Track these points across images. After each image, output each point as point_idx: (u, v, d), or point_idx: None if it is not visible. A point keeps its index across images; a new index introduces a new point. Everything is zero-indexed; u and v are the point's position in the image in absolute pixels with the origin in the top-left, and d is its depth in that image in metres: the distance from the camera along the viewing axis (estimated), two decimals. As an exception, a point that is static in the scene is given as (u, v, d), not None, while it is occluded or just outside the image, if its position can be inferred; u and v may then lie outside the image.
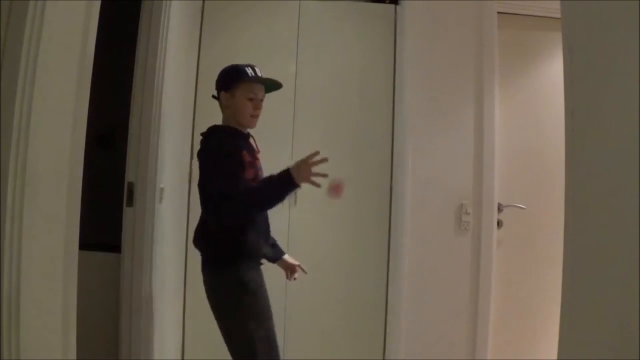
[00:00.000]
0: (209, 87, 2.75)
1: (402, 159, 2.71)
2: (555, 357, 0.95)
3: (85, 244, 1.35)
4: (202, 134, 1.92)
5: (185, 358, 2.64)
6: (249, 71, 1.85)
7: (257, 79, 1.86)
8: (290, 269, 2.07)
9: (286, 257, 2.07)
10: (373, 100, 2.83)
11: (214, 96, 1.95)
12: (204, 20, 2.77)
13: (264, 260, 1.96)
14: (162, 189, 2.20)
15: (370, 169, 2.80)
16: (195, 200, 2.68)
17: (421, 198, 2.69)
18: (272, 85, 1.93)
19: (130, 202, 2.07)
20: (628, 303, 0.75)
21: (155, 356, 2.18)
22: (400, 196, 2.69)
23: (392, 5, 2.87)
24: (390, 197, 2.78)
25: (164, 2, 2.12)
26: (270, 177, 1.76)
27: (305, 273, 2.08)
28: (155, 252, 2.12)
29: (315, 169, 1.72)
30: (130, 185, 2.07)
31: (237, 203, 1.71)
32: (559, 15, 1.03)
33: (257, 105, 1.86)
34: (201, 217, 1.91)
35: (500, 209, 2.76)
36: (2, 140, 0.95)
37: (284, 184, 1.71)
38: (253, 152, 1.88)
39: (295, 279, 2.07)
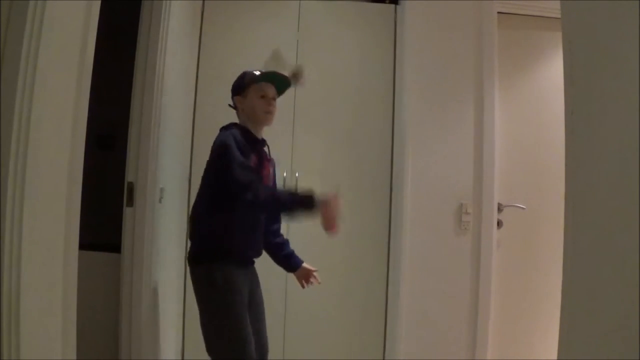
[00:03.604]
0: (209, 87, 2.77)
1: (402, 159, 2.71)
2: (555, 357, 0.95)
3: (85, 244, 1.35)
4: (220, 128, 1.97)
5: (185, 358, 2.65)
6: (257, 72, 1.98)
7: (264, 78, 1.97)
8: (305, 277, 2.11)
9: (305, 265, 2.11)
10: (373, 99, 2.83)
11: (230, 105, 2.04)
12: (204, 20, 2.77)
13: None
14: (162, 189, 2.20)
15: (370, 169, 2.80)
16: (195, 200, 2.69)
17: (421, 198, 2.69)
18: (282, 85, 2.02)
19: (130, 202, 2.07)
20: (628, 303, 0.75)
21: (155, 356, 2.19)
22: (400, 196, 2.69)
23: (392, 5, 2.87)
24: (390, 197, 2.78)
25: (164, 2, 2.12)
26: (293, 191, 1.87)
27: (318, 282, 2.12)
28: (155, 252, 2.12)
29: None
30: (130, 185, 2.07)
31: (252, 185, 1.76)
32: (559, 15, 1.03)
33: (268, 102, 1.96)
34: (192, 208, 1.99)
35: (500, 209, 2.76)
36: (2, 140, 0.95)
37: (305, 201, 1.77)
38: (261, 159, 1.94)
39: (310, 284, 2.12)
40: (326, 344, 2.70)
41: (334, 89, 2.81)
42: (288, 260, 2.10)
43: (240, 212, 1.86)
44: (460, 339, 2.67)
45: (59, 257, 1.13)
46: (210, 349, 1.82)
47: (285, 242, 2.13)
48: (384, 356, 2.70)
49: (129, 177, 2.08)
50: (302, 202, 1.78)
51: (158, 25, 2.11)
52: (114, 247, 2.13)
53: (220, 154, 1.82)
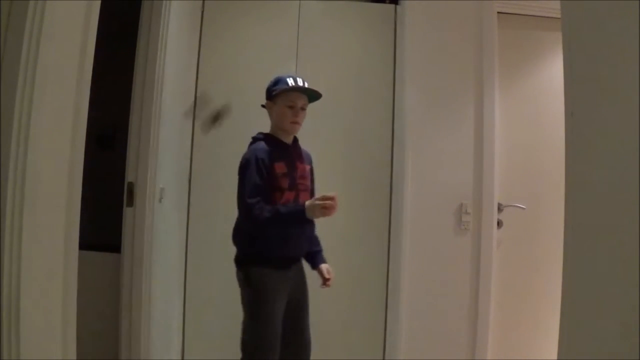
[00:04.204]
0: (209, 87, 2.77)
1: (402, 159, 2.71)
2: (555, 357, 0.95)
3: (85, 244, 1.35)
4: (252, 137, 2.09)
5: (185, 358, 2.65)
6: (290, 81, 2.02)
7: (294, 88, 2.01)
8: (322, 279, 2.15)
9: (323, 267, 2.15)
10: (373, 100, 2.83)
11: (263, 105, 2.10)
12: (204, 20, 2.77)
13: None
14: (162, 189, 2.20)
15: (370, 169, 2.80)
16: (196, 200, 2.69)
17: (421, 198, 2.69)
18: (314, 95, 2.07)
19: (130, 202, 2.07)
20: (628, 303, 0.75)
21: (155, 356, 2.19)
22: (400, 196, 2.69)
23: (392, 5, 2.87)
24: (390, 197, 2.78)
25: (164, 2, 2.12)
26: (288, 206, 1.93)
27: (328, 287, 2.15)
28: (155, 252, 2.12)
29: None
30: (130, 185, 2.07)
31: (251, 213, 1.89)
32: (559, 15, 1.03)
33: (295, 112, 2.02)
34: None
35: (500, 209, 2.76)
36: (2, 140, 0.95)
37: (295, 217, 1.90)
38: (292, 162, 2.02)
39: (325, 286, 2.15)
40: (326, 344, 2.70)
41: (334, 89, 2.80)
42: (310, 258, 2.17)
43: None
44: (460, 339, 2.67)
45: (59, 257, 1.13)
46: (241, 344, 1.94)
47: (315, 240, 2.19)
48: (384, 356, 2.70)
49: (129, 177, 2.08)
50: (294, 217, 1.90)
51: (158, 25, 2.11)
52: (114, 247, 2.13)
53: (240, 170, 1.97)
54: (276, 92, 2.02)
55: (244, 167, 1.95)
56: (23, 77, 0.97)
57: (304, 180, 2.06)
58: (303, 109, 2.05)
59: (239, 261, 2.01)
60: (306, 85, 2.05)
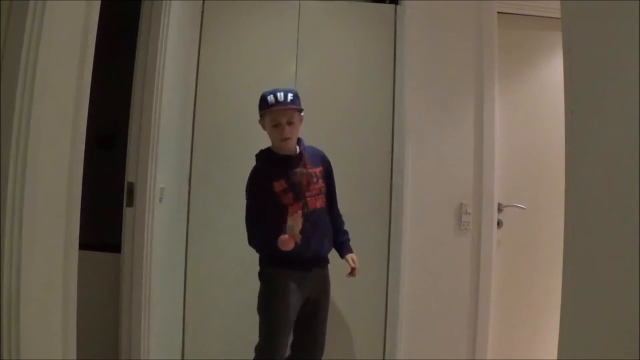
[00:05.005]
0: (209, 87, 2.77)
1: (402, 158, 2.70)
2: (555, 357, 0.95)
3: (85, 244, 1.35)
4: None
5: (185, 358, 2.65)
6: (270, 98, 2.02)
7: (273, 106, 2.01)
8: (350, 268, 2.22)
9: (348, 256, 2.23)
10: (373, 100, 2.83)
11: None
12: (204, 20, 2.77)
13: None
14: (162, 189, 2.20)
15: (370, 169, 2.80)
16: (196, 200, 2.70)
17: (421, 198, 2.69)
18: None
19: (130, 202, 2.07)
20: (628, 303, 0.75)
21: (155, 356, 2.19)
22: (400, 196, 2.69)
23: (392, 5, 2.87)
24: (390, 197, 2.78)
25: (164, 2, 2.12)
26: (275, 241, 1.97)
27: (354, 276, 2.24)
28: (155, 252, 2.12)
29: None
30: (130, 185, 2.07)
31: (249, 231, 2.04)
32: (559, 15, 1.03)
33: (281, 130, 2.02)
34: None
35: (500, 209, 2.76)
36: (2, 140, 0.95)
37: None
38: (292, 176, 2.04)
39: (351, 275, 2.23)
40: (326, 344, 2.70)
41: (334, 89, 2.81)
42: (337, 248, 2.25)
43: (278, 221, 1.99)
44: (460, 339, 2.67)
45: (59, 257, 1.13)
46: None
47: (340, 232, 2.26)
48: (384, 356, 2.70)
49: (129, 177, 2.08)
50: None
51: (158, 25, 2.11)
52: (114, 247, 2.13)
53: (245, 191, 2.08)
54: (262, 110, 2.05)
55: (246, 191, 2.07)
56: (23, 77, 0.97)
57: (313, 186, 2.09)
58: (290, 123, 2.03)
59: (259, 261, 2.12)
60: (289, 96, 2.02)
